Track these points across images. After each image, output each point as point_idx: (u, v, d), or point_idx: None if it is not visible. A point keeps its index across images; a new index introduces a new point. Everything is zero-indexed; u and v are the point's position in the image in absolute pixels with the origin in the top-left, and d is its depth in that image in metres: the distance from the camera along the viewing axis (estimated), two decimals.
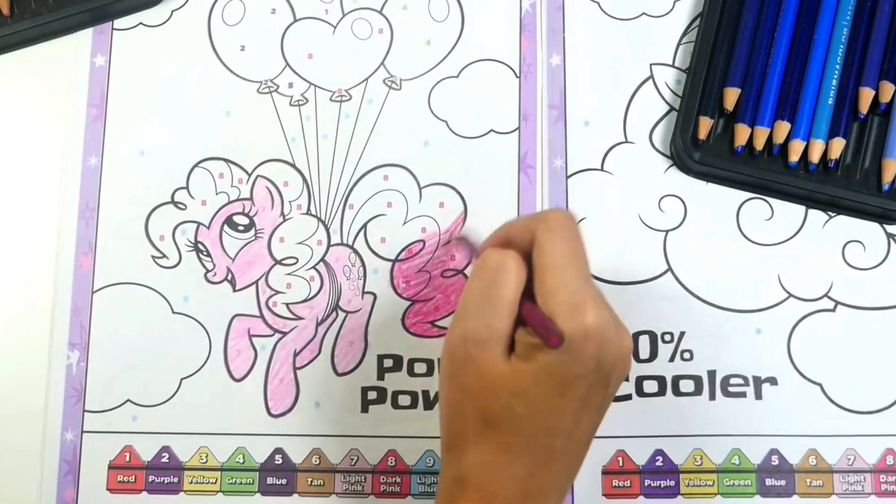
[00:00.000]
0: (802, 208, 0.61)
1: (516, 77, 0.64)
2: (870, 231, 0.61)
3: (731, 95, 0.60)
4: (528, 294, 0.46)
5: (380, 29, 0.65)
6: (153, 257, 0.62)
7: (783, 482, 0.58)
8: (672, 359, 0.60)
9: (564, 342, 0.43)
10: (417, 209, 0.62)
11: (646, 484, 0.59)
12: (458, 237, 0.61)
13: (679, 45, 0.64)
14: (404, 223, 0.62)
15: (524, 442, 0.45)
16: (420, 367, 0.61)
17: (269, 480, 0.60)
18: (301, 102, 0.64)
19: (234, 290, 0.62)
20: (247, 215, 0.63)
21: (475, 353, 0.45)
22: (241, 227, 0.63)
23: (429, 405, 0.60)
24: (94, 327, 0.61)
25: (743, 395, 0.59)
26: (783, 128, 0.59)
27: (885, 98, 0.59)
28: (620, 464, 0.59)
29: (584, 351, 0.44)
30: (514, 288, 0.46)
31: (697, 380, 0.59)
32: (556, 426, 0.45)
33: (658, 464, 0.59)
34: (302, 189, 0.63)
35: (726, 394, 0.59)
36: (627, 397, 0.59)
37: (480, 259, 0.47)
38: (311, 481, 0.60)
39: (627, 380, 0.59)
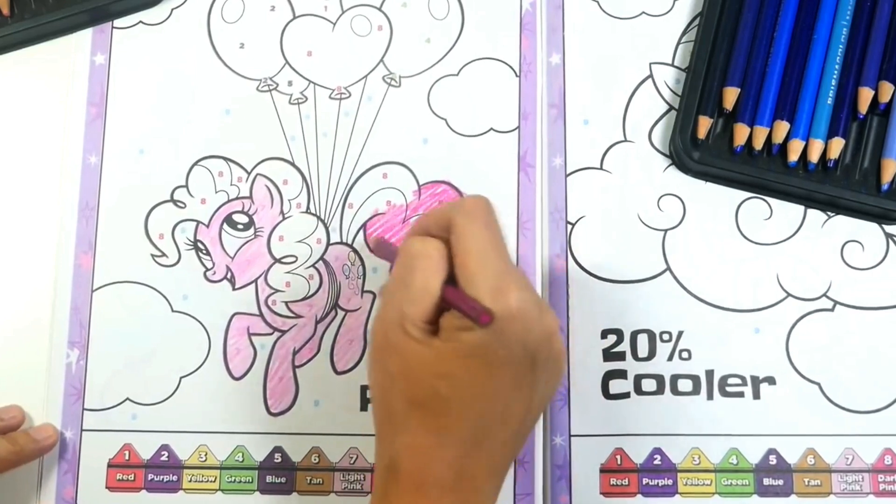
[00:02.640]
0: (801, 208, 0.61)
1: (516, 76, 0.64)
2: (869, 231, 0.61)
3: (731, 95, 0.60)
4: (452, 282, 0.46)
5: (379, 26, 0.65)
6: (153, 256, 0.62)
7: (781, 482, 0.58)
8: (670, 358, 0.60)
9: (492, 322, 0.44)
10: (417, 207, 0.62)
11: (644, 482, 0.59)
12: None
13: (678, 44, 0.64)
14: (403, 221, 0.62)
15: (452, 424, 0.45)
16: None
17: (269, 479, 0.60)
18: (300, 101, 0.64)
19: (234, 289, 0.62)
20: (246, 214, 0.63)
21: (396, 337, 0.46)
22: (240, 226, 0.63)
23: None
24: (94, 326, 0.62)
25: (741, 394, 0.59)
26: (782, 127, 0.59)
27: (885, 98, 0.59)
28: (619, 462, 0.59)
29: (509, 332, 0.44)
30: (434, 272, 0.46)
31: (696, 379, 0.60)
32: (485, 408, 0.45)
33: (656, 462, 0.59)
34: (301, 187, 0.63)
35: (724, 393, 0.59)
36: (626, 395, 0.59)
37: (402, 246, 0.48)
38: (311, 480, 0.60)
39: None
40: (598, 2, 0.64)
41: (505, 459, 0.48)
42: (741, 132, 0.60)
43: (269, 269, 0.62)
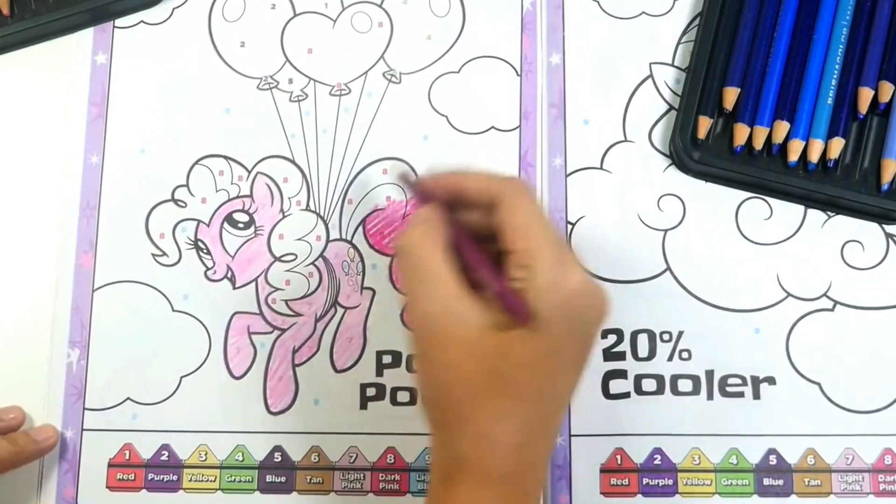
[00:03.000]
0: (801, 208, 0.61)
1: (517, 75, 0.64)
2: (869, 231, 0.61)
3: (731, 95, 0.60)
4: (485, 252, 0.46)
5: (379, 23, 0.65)
6: (153, 255, 0.63)
7: (781, 482, 0.58)
8: (670, 358, 0.60)
9: (547, 311, 0.43)
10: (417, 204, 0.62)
11: (644, 482, 0.59)
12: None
13: (679, 44, 0.64)
14: (403, 217, 0.62)
15: (516, 407, 0.44)
16: None
17: (269, 478, 0.60)
18: (301, 98, 0.64)
19: (234, 288, 0.62)
20: (247, 212, 0.63)
21: (441, 327, 0.44)
22: (240, 225, 0.63)
23: None
24: (95, 325, 0.62)
25: (741, 394, 0.59)
26: (782, 127, 0.59)
27: (885, 98, 0.59)
28: (619, 462, 0.59)
29: (571, 309, 0.44)
30: (433, 249, 0.45)
31: (696, 379, 0.59)
32: (545, 388, 0.44)
33: (656, 462, 0.59)
34: (301, 185, 0.63)
35: (724, 393, 0.59)
36: (626, 395, 0.59)
37: (398, 242, 0.47)
38: (310, 479, 0.60)
39: (627, 378, 0.60)
40: (598, 2, 0.64)
41: (556, 437, 0.47)
42: (741, 132, 0.60)
43: (269, 268, 0.62)
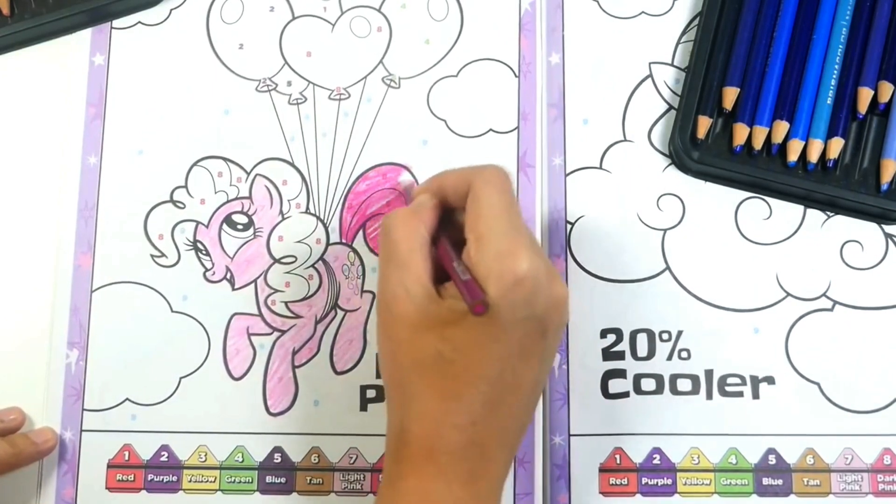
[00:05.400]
0: (801, 208, 0.61)
1: (515, 76, 0.64)
2: (868, 231, 0.61)
3: (730, 95, 0.60)
4: (458, 246, 0.48)
5: (378, 27, 0.65)
6: (152, 256, 0.63)
7: (780, 481, 0.58)
8: (670, 357, 0.60)
9: (491, 298, 0.44)
10: None
11: (643, 482, 0.59)
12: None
13: (678, 44, 0.64)
14: None
15: (460, 388, 0.46)
16: None
17: (268, 479, 0.60)
18: (300, 101, 0.64)
19: (233, 289, 0.62)
20: (246, 214, 0.63)
21: (397, 306, 0.47)
22: (239, 226, 0.63)
23: None
24: (93, 326, 0.62)
25: (740, 394, 0.59)
26: (782, 127, 0.59)
27: (884, 98, 0.59)
28: (618, 461, 0.59)
29: (515, 297, 0.45)
30: (413, 234, 0.48)
31: (695, 379, 0.60)
32: (492, 374, 0.46)
33: (655, 462, 0.59)
34: (301, 188, 0.63)
35: (723, 393, 0.59)
36: (625, 395, 0.59)
37: (382, 222, 0.49)
38: (310, 480, 0.60)
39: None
40: (597, 2, 0.64)
41: (516, 429, 0.48)
42: (741, 132, 0.60)
43: (268, 270, 0.62)
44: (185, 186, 0.63)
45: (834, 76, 0.60)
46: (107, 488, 0.60)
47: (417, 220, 0.48)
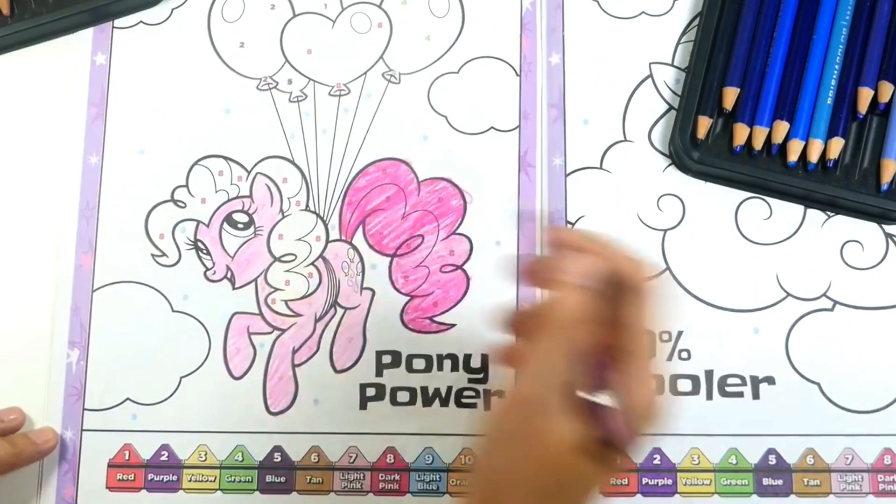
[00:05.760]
0: (801, 208, 0.61)
1: (517, 75, 0.64)
2: (868, 231, 0.61)
3: (730, 95, 0.60)
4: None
5: (379, 23, 0.65)
6: (153, 256, 0.63)
7: (780, 481, 0.58)
8: (670, 358, 0.60)
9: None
10: (416, 204, 0.62)
11: (643, 482, 0.59)
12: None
13: (678, 44, 0.64)
14: (403, 217, 0.62)
15: None
16: (419, 364, 0.61)
17: (268, 478, 0.60)
18: (300, 98, 0.64)
19: (234, 288, 0.62)
20: (246, 213, 0.63)
21: (540, 420, 0.39)
22: (240, 225, 0.63)
23: (427, 402, 0.60)
24: (94, 326, 0.62)
25: (740, 394, 0.59)
26: (782, 127, 0.59)
27: (884, 98, 0.59)
28: (618, 461, 0.59)
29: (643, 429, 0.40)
30: (583, 343, 0.40)
31: (695, 379, 0.60)
32: None
33: (656, 462, 0.59)
34: (301, 185, 0.63)
35: (724, 393, 0.59)
36: None
37: (558, 303, 0.40)
38: (310, 479, 0.60)
39: None
40: (598, 2, 0.64)
41: None
42: (741, 132, 0.60)
43: (268, 268, 0.62)
44: (186, 186, 0.63)
45: (834, 76, 0.60)
46: (107, 488, 0.60)
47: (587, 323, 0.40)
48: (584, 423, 0.39)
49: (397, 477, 0.60)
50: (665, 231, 0.61)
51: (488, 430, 0.41)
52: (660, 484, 0.59)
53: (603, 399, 0.40)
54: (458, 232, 0.62)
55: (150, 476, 0.60)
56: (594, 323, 0.40)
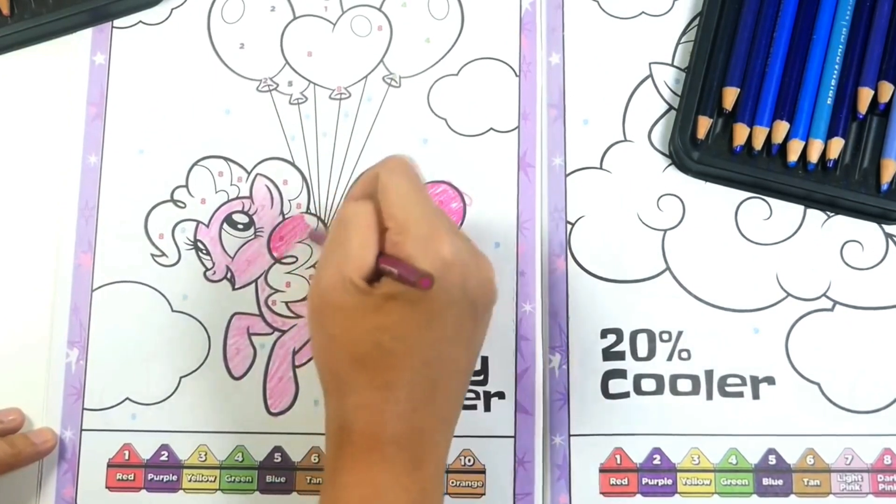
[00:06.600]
0: (801, 208, 0.61)
1: (516, 76, 0.64)
2: (868, 231, 0.61)
3: (730, 95, 0.60)
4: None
5: (379, 26, 0.65)
6: (153, 255, 0.63)
7: (780, 482, 0.58)
8: (670, 358, 0.60)
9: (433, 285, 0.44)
10: None
11: (643, 482, 0.59)
12: (312, 235, 0.62)
13: (678, 44, 0.64)
14: None
15: (400, 377, 0.45)
16: None
17: (269, 479, 0.60)
18: (300, 101, 0.64)
19: (234, 289, 0.62)
20: (246, 214, 0.63)
21: (334, 296, 0.46)
22: (240, 226, 0.63)
23: None
24: (94, 325, 0.62)
25: (740, 394, 0.59)
26: (782, 127, 0.59)
27: (884, 98, 0.59)
28: (618, 462, 0.59)
29: (447, 280, 0.45)
30: (368, 229, 0.46)
31: (695, 379, 0.60)
32: (430, 358, 0.46)
33: (655, 462, 0.59)
34: (301, 187, 0.63)
35: (724, 393, 0.59)
36: (625, 395, 0.59)
37: (337, 212, 0.48)
38: (310, 479, 0.60)
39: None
40: (597, 2, 0.64)
41: (454, 409, 0.49)
42: (741, 132, 0.60)
43: (269, 269, 0.62)
44: (186, 186, 0.63)
45: (834, 76, 0.60)
46: (107, 488, 0.60)
47: (374, 218, 0.47)
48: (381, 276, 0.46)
49: None
50: (665, 231, 0.61)
51: (308, 321, 0.48)
52: (660, 484, 0.59)
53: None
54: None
55: (149, 476, 0.60)
56: (369, 216, 0.47)
